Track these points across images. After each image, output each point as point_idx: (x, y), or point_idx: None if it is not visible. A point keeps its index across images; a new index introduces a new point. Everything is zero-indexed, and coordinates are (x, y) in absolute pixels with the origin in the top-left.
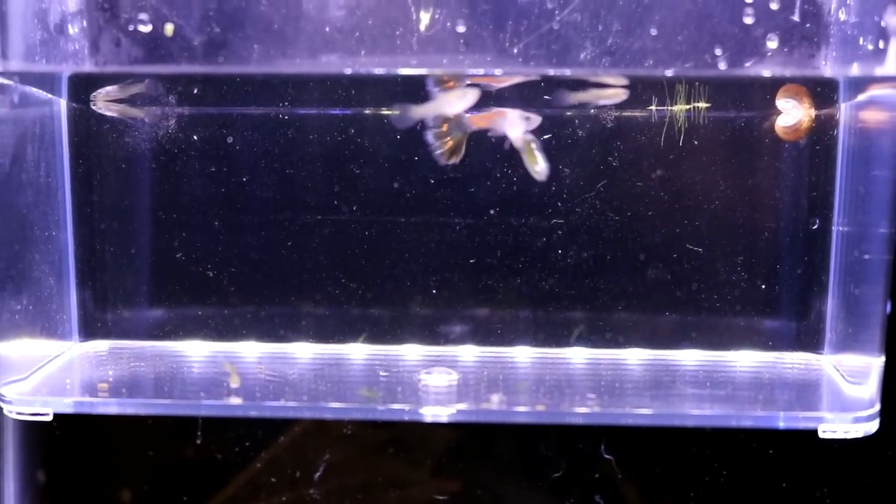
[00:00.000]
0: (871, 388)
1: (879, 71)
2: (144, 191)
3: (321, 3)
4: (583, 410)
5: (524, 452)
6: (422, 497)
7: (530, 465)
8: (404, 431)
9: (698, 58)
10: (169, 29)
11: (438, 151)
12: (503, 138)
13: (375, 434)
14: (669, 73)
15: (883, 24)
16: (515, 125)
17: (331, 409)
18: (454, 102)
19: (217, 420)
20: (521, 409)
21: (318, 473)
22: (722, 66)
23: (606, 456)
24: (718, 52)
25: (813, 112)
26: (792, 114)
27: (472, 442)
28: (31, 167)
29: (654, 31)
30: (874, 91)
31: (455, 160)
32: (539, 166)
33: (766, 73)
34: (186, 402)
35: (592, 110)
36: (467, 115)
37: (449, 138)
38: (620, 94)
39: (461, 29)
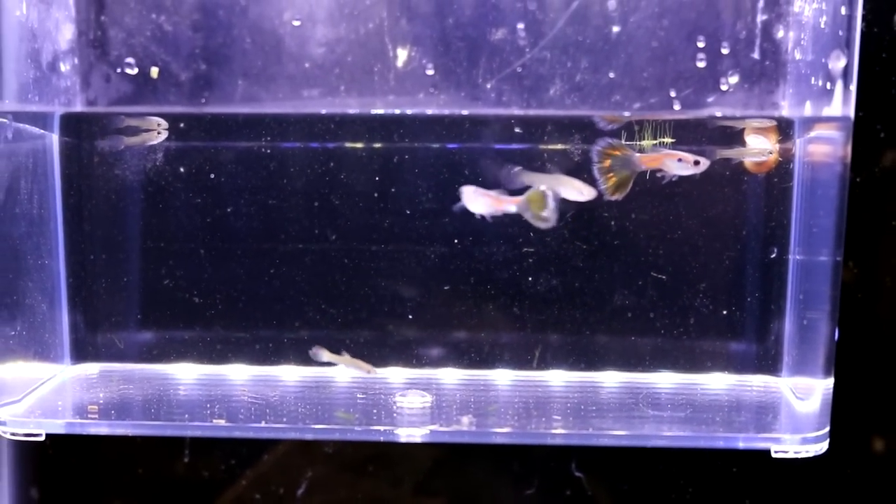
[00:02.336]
0: (820, 411)
1: (827, 111)
2: (133, 221)
3: (301, 41)
4: (553, 431)
5: (499, 470)
6: None
7: (505, 483)
8: (384, 450)
9: (662, 96)
10: (154, 71)
11: (603, 186)
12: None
13: (356, 452)
14: (634, 110)
15: (829, 66)
16: (686, 168)
17: (310, 430)
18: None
19: (204, 439)
20: (492, 430)
21: (300, 490)
22: (681, 105)
23: (577, 474)
24: (680, 90)
25: (778, 147)
26: (759, 148)
27: (449, 461)
28: (24, 200)
29: (616, 72)
30: (821, 129)
31: (618, 196)
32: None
33: (726, 111)
34: (173, 423)
35: (582, 147)
36: (637, 155)
37: (613, 174)
38: (764, 154)
39: (433, 67)
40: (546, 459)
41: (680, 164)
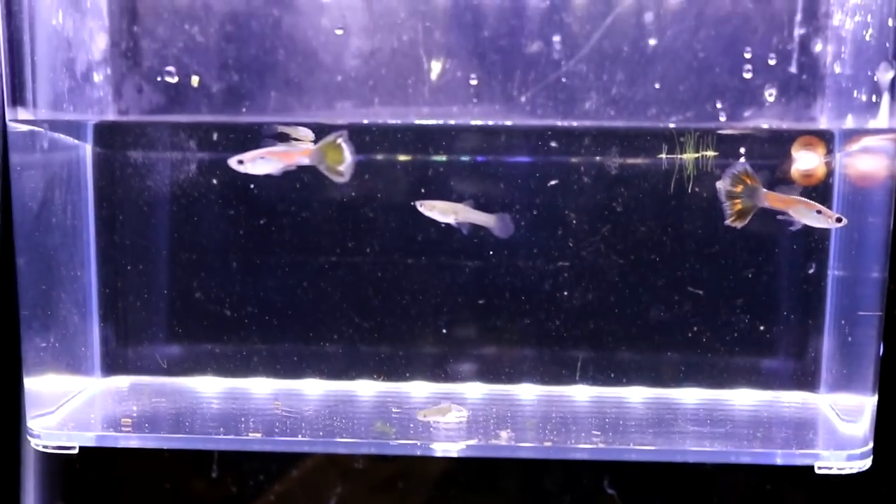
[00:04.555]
0: (864, 427)
1: (872, 124)
2: (165, 232)
3: (337, 53)
4: (588, 446)
5: (530, 487)
6: None
7: (535, 500)
8: (412, 467)
9: (699, 109)
10: (195, 80)
11: (727, 210)
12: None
13: (382, 470)
14: (671, 124)
15: (875, 78)
16: (823, 221)
17: (346, 444)
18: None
19: (231, 454)
20: (529, 444)
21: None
22: (722, 117)
23: (609, 491)
24: (718, 104)
25: (826, 160)
26: (808, 161)
27: (479, 478)
28: (58, 210)
29: (656, 84)
30: (867, 141)
31: (738, 225)
32: None
33: (765, 124)
34: (206, 437)
35: (598, 158)
36: (764, 190)
37: (738, 201)
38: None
39: (471, 79)
40: (578, 476)
41: (818, 216)
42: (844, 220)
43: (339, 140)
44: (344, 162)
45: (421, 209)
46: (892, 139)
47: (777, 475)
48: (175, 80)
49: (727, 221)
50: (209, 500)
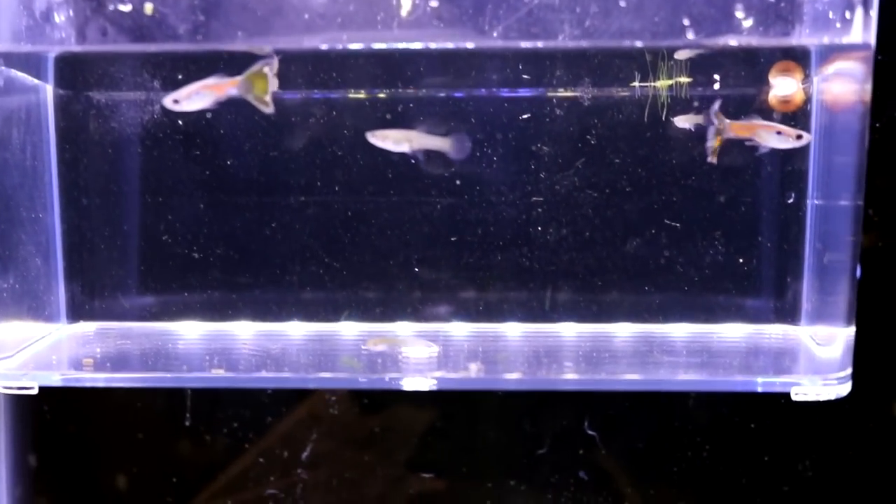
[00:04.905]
0: (841, 353)
1: (846, 39)
2: (130, 174)
3: None
4: (559, 377)
5: (509, 429)
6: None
7: (514, 443)
8: (390, 417)
9: (673, 26)
10: (148, 7)
11: (709, 145)
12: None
13: (362, 423)
14: (650, 44)
15: None
16: (785, 142)
17: (313, 380)
18: None
19: (206, 402)
20: (501, 376)
21: (305, 454)
22: (700, 35)
23: (590, 432)
24: (693, 21)
25: (804, 85)
26: (786, 87)
27: (457, 420)
28: (16, 150)
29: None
30: (840, 64)
31: (711, 160)
32: None
33: (742, 42)
34: (171, 374)
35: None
36: (727, 122)
37: (718, 137)
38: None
39: (442, 12)
40: (558, 418)
41: (779, 136)
42: (806, 137)
43: (265, 69)
44: (269, 93)
45: (373, 140)
46: (865, 58)
47: (760, 412)
48: (129, 7)
49: (709, 158)
50: (183, 449)
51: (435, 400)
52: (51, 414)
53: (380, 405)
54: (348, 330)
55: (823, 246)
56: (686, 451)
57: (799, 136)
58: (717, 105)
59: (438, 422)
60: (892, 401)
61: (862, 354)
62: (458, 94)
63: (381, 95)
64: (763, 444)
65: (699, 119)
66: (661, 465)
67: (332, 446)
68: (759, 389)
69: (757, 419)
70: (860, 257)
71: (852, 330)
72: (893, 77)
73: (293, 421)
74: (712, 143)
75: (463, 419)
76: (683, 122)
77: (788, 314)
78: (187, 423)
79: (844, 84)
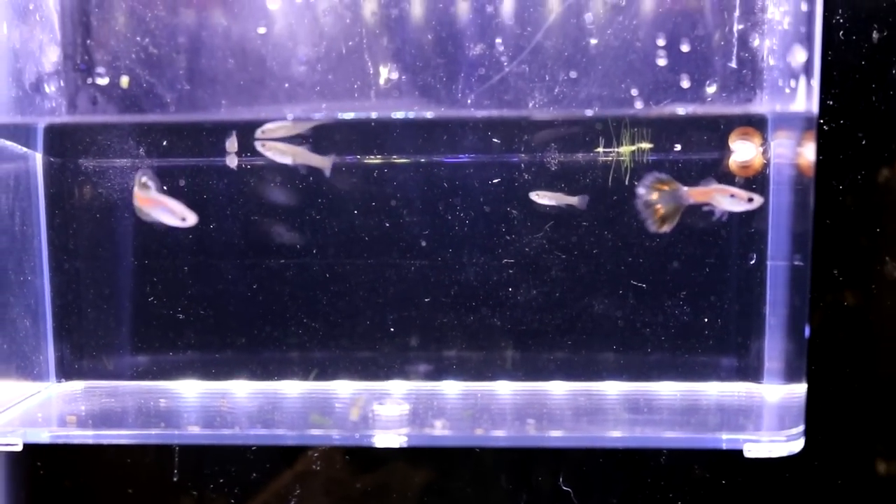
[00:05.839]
0: (792, 411)
1: (792, 107)
2: (117, 238)
3: (284, 61)
4: (520, 435)
5: (488, 486)
6: None
7: (494, 499)
8: (376, 477)
9: (624, 96)
10: (124, 81)
11: (649, 220)
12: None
13: (350, 479)
14: (588, 112)
15: (791, 62)
16: (738, 204)
17: (287, 437)
18: None
19: (192, 458)
20: (461, 434)
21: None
22: (644, 104)
23: (565, 488)
24: (654, 92)
25: (762, 150)
26: (745, 152)
27: (437, 478)
28: (5, 215)
29: (584, 73)
30: (789, 129)
31: (667, 228)
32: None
33: (697, 110)
34: (153, 431)
35: (539, 156)
36: (685, 189)
37: (659, 207)
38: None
39: (417, 82)
40: (535, 474)
41: (732, 199)
42: (757, 199)
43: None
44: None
45: (261, 150)
46: (809, 123)
47: (732, 470)
48: (106, 81)
49: (653, 229)
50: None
51: (417, 457)
52: (44, 470)
53: (365, 464)
54: (337, 388)
55: (776, 305)
56: None
57: (750, 199)
58: (650, 177)
59: (416, 478)
60: (862, 456)
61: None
62: (433, 159)
63: (359, 158)
64: (733, 501)
65: (563, 198)
66: None
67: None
68: (724, 447)
69: (728, 475)
70: (809, 316)
71: (803, 387)
72: (856, 140)
73: (283, 477)
74: (648, 212)
75: (443, 477)
76: (544, 198)
77: (752, 372)
78: (175, 479)
79: (792, 149)
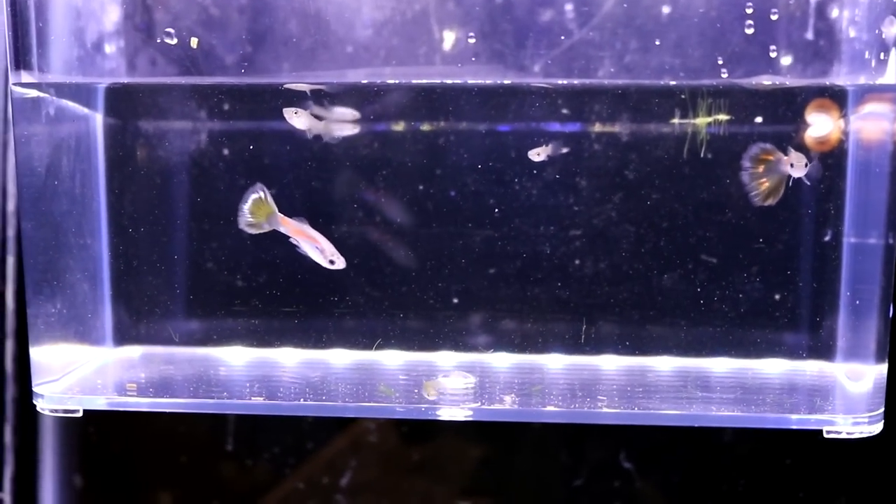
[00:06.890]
0: (873, 392)
1: (880, 81)
2: (176, 202)
3: (348, 23)
4: (593, 411)
5: (546, 461)
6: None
7: (552, 474)
8: (432, 448)
9: (710, 65)
10: (194, 41)
11: (754, 193)
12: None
13: (404, 452)
14: (680, 79)
15: (883, 35)
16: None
17: (352, 408)
18: None
19: (247, 427)
20: (535, 408)
21: (344, 480)
22: (737, 76)
23: (626, 465)
24: (729, 60)
25: (842, 124)
26: (822, 126)
27: (496, 453)
28: (66, 177)
29: (662, 41)
30: (872, 105)
31: (772, 201)
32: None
33: (776, 80)
34: (212, 400)
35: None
36: (784, 157)
37: (765, 179)
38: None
39: (483, 46)
40: (595, 450)
41: (792, 167)
42: (809, 165)
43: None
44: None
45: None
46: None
47: (796, 447)
48: (168, 41)
49: (758, 202)
50: (225, 473)
51: (474, 431)
52: (96, 436)
53: (421, 436)
54: (387, 359)
55: (857, 283)
56: (721, 485)
57: (806, 165)
58: (754, 149)
59: (475, 452)
60: None
61: None
62: (501, 128)
63: (423, 127)
64: (799, 480)
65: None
66: (697, 498)
67: (374, 474)
68: (793, 427)
69: (793, 454)
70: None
71: (884, 368)
72: None
73: (336, 447)
74: (754, 185)
75: (501, 451)
76: (535, 154)
77: (824, 351)
78: (229, 448)
79: (878, 124)
